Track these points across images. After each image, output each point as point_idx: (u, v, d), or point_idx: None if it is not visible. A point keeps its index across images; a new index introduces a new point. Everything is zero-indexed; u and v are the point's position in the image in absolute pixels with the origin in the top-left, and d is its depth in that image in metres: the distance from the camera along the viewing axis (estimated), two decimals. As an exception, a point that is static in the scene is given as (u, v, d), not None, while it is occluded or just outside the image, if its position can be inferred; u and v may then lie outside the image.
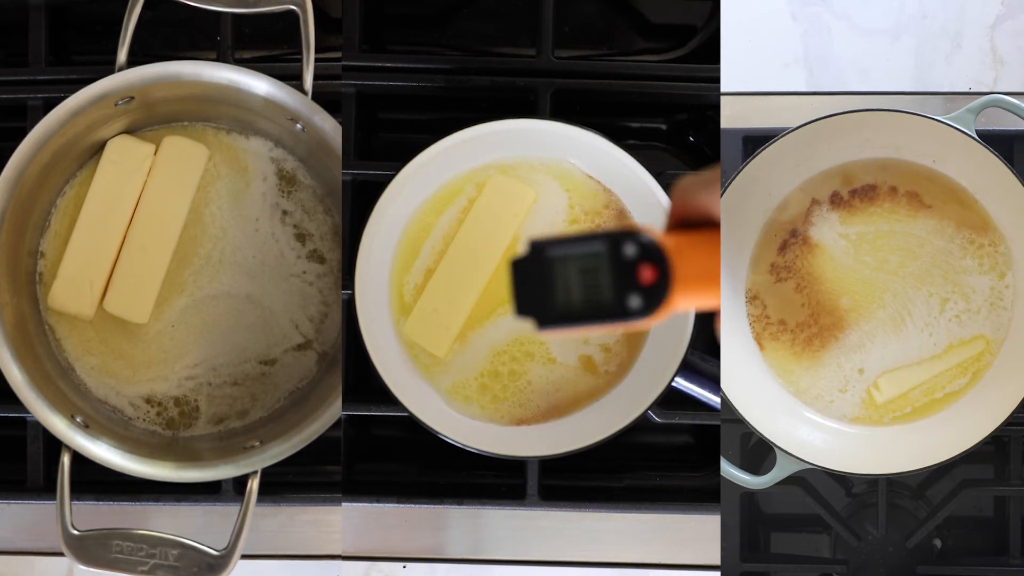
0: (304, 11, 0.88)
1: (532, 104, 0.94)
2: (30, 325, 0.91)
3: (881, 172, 0.94)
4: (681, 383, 0.89)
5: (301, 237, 0.94)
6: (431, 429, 0.89)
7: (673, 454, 1.00)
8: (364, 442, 0.98)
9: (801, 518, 1.00)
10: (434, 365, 0.91)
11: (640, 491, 0.97)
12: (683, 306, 0.60)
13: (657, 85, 0.95)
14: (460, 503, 0.95)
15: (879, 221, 0.94)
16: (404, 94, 0.96)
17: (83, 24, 0.98)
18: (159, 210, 0.92)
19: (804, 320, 0.95)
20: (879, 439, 0.94)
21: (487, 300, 0.90)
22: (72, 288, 0.92)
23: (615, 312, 0.59)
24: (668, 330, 0.89)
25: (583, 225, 0.91)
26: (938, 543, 0.99)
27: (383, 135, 0.99)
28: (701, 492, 0.96)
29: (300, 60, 0.88)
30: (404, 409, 0.88)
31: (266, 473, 0.87)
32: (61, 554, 0.85)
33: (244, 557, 0.86)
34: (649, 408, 0.88)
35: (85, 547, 0.85)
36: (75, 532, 0.85)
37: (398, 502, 0.95)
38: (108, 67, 0.88)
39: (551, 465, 0.94)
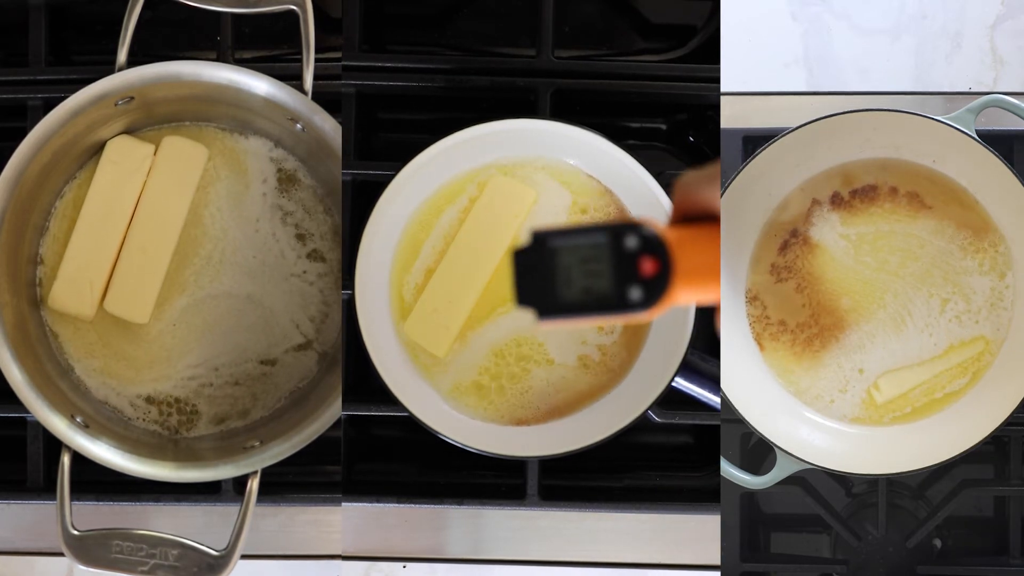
0: (304, 11, 0.88)
1: (532, 104, 0.94)
2: (30, 325, 0.91)
3: (881, 172, 0.94)
4: (681, 383, 0.89)
5: (301, 237, 0.94)
6: (431, 429, 0.89)
7: (673, 454, 1.00)
8: (364, 442, 0.98)
9: (801, 518, 1.00)
10: (434, 365, 0.91)
11: (640, 491, 0.97)
12: (683, 299, 0.60)
13: (657, 85, 0.95)
14: (460, 503, 0.95)
15: (880, 222, 0.94)
16: (404, 94, 0.96)
17: (83, 24, 0.98)
18: (159, 210, 0.92)
19: (804, 320, 0.95)
20: (879, 439, 0.94)
21: (487, 300, 0.90)
22: (72, 288, 0.92)
23: (616, 304, 0.59)
24: (668, 330, 0.89)
25: (583, 225, 0.91)
26: (938, 543, 0.99)
27: (383, 135, 0.99)
28: (701, 492, 0.96)
29: (300, 60, 0.88)
30: (404, 409, 0.88)
31: (266, 473, 0.87)
32: (61, 554, 0.85)
33: (244, 557, 0.86)
34: (649, 408, 0.88)
35: (85, 547, 0.85)
36: (75, 532, 0.85)
37: (398, 502, 0.95)
38: (108, 67, 0.88)
39: (551, 465, 0.94)
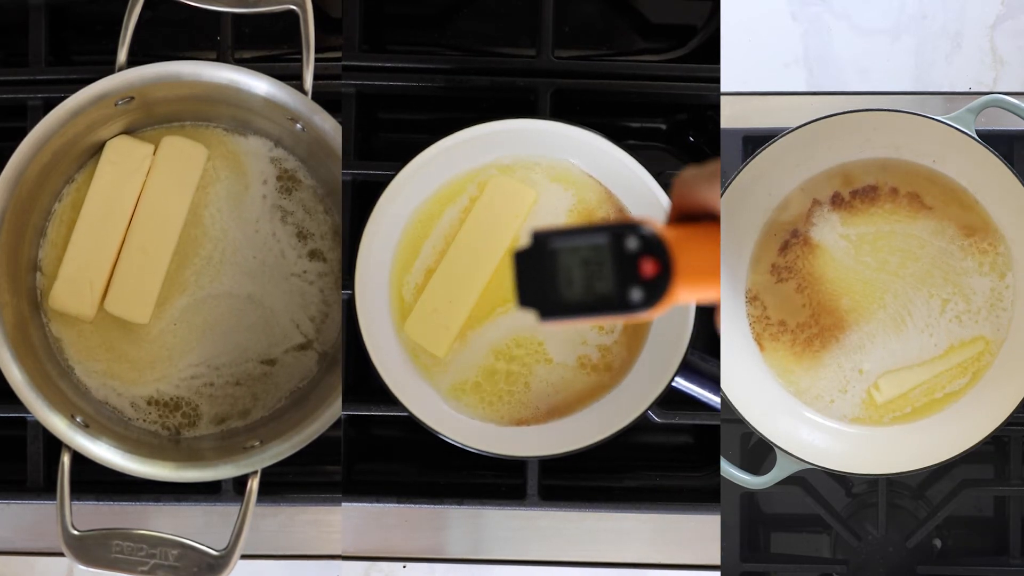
0: (304, 11, 0.88)
1: (532, 104, 0.94)
2: (30, 325, 0.91)
3: (881, 172, 0.94)
4: (681, 383, 0.89)
5: (302, 237, 0.94)
6: (431, 429, 0.89)
7: (673, 454, 1.00)
8: (364, 442, 0.98)
9: (801, 518, 1.00)
10: (434, 365, 0.91)
11: (640, 491, 0.97)
12: (684, 299, 0.60)
13: (657, 85, 0.95)
14: (460, 503, 0.95)
15: (880, 222, 0.94)
16: (404, 94, 0.96)
17: (83, 24, 0.98)
18: (159, 210, 0.92)
19: (805, 320, 0.95)
20: (879, 439, 0.94)
21: (487, 300, 0.90)
22: (72, 289, 0.92)
23: (617, 304, 0.59)
24: (668, 330, 0.89)
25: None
26: (938, 543, 0.99)
27: (383, 135, 0.99)
28: (701, 492, 0.96)
29: (300, 60, 0.88)
30: (404, 409, 0.88)
31: (266, 473, 0.87)
32: (61, 554, 0.85)
33: (244, 557, 0.86)
34: (649, 408, 0.88)
35: (85, 547, 0.85)
36: (75, 532, 0.85)
37: (398, 502, 0.95)
38: (108, 67, 0.88)
39: (551, 465, 0.94)
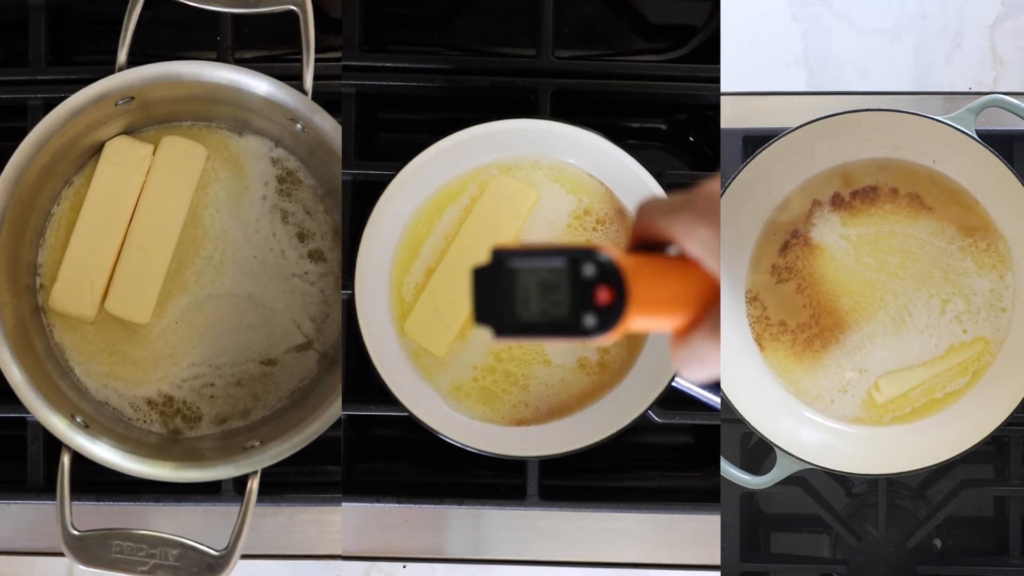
0: (304, 11, 0.88)
1: (532, 104, 0.94)
2: (30, 325, 0.91)
3: (881, 172, 0.94)
4: (681, 383, 0.89)
5: (302, 237, 0.94)
6: (431, 429, 0.89)
7: (673, 454, 1.00)
8: (364, 442, 0.98)
9: (801, 518, 1.00)
10: (434, 365, 0.91)
11: (640, 491, 0.97)
12: (637, 327, 0.61)
13: (657, 85, 0.95)
14: (460, 503, 0.95)
15: (880, 222, 0.94)
16: (404, 94, 0.96)
17: (83, 24, 0.98)
18: (158, 210, 0.92)
19: (805, 321, 0.95)
20: (879, 439, 0.94)
21: (487, 300, 0.90)
22: (73, 289, 0.92)
23: (570, 329, 0.60)
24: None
25: (584, 225, 0.91)
26: (938, 543, 0.99)
27: (383, 135, 0.99)
28: (701, 492, 0.96)
29: (300, 60, 0.88)
30: (404, 409, 0.88)
31: (266, 473, 0.87)
32: (61, 554, 0.85)
33: (244, 557, 0.86)
34: (649, 408, 0.88)
35: (85, 547, 0.85)
36: (75, 532, 0.85)
37: (398, 502, 0.95)
38: (108, 67, 0.88)
39: (551, 465, 0.94)
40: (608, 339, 0.60)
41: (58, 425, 0.86)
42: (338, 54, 0.95)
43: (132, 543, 0.85)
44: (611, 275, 0.60)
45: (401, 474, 0.99)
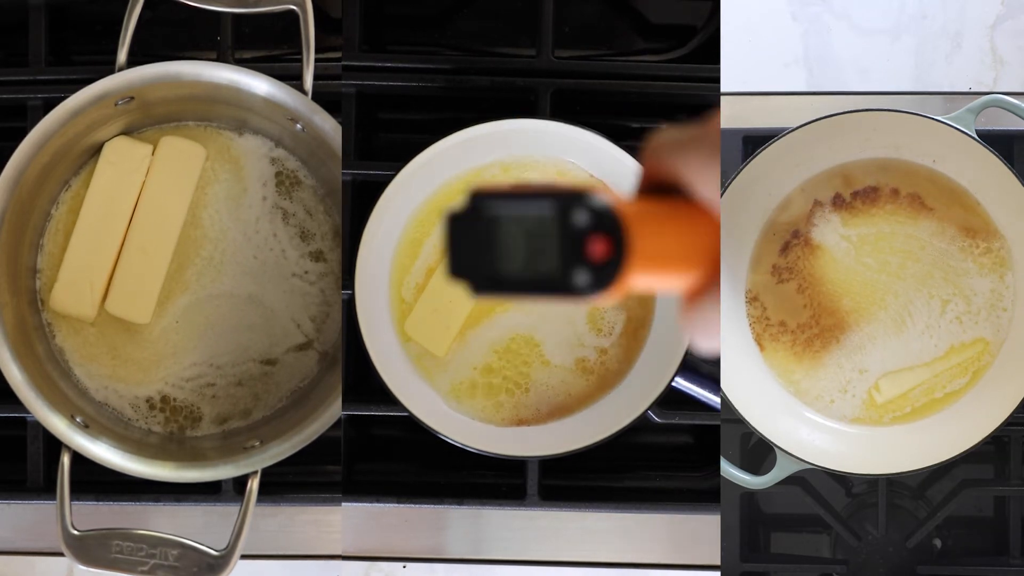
0: (304, 11, 0.88)
1: (532, 104, 0.94)
2: (30, 326, 0.91)
3: (881, 172, 0.94)
4: (681, 383, 0.89)
5: (302, 237, 0.94)
6: (431, 429, 0.89)
7: (673, 454, 1.00)
8: (364, 442, 0.98)
9: (801, 518, 1.00)
10: (434, 365, 0.91)
11: (640, 491, 0.97)
12: (640, 287, 0.52)
13: (657, 85, 0.95)
14: (460, 503, 0.95)
15: (881, 223, 0.94)
16: (404, 94, 0.96)
17: (83, 24, 0.98)
18: (158, 210, 0.92)
19: (805, 321, 0.95)
20: (879, 439, 0.94)
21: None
22: (73, 290, 0.92)
23: (559, 286, 0.50)
24: (668, 330, 0.89)
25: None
26: (938, 543, 0.99)
27: (383, 135, 0.99)
28: (701, 492, 0.96)
29: (300, 60, 0.88)
30: (404, 409, 0.88)
31: (266, 473, 0.87)
32: (61, 554, 0.85)
33: (244, 557, 0.86)
34: (649, 408, 0.88)
35: (85, 547, 0.85)
36: (75, 532, 0.85)
37: (398, 502, 0.95)
38: (108, 67, 0.88)
39: (551, 465, 0.94)
40: (605, 300, 0.51)
41: (58, 425, 0.86)
42: (338, 54, 0.95)
43: (132, 543, 0.85)
44: (608, 223, 0.50)
45: (401, 474, 0.99)
